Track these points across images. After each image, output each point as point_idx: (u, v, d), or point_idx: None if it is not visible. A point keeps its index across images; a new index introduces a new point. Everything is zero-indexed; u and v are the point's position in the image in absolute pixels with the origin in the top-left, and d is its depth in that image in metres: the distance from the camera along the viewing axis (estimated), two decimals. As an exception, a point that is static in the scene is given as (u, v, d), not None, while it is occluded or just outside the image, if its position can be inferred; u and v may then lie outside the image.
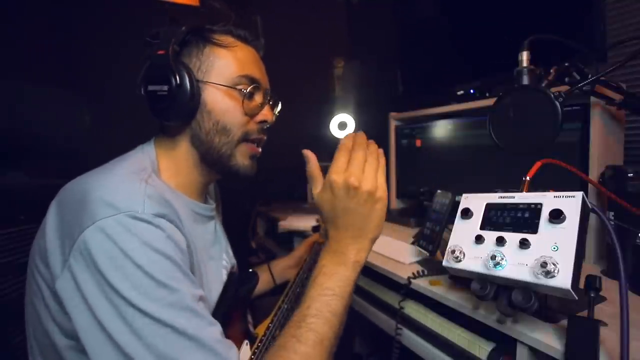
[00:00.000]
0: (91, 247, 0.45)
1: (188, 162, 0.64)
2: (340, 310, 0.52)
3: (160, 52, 0.58)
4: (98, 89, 1.26)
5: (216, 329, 0.49)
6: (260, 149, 0.70)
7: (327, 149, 2.07)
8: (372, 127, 1.74)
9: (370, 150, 0.59)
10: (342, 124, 1.79)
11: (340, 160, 0.58)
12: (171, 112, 0.59)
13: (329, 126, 1.79)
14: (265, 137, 0.70)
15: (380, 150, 0.60)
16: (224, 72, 0.62)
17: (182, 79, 0.58)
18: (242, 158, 0.66)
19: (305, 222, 1.36)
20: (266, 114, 0.68)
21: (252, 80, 0.64)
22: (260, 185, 1.90)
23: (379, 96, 1.73)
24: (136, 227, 0.47)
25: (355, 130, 1.76)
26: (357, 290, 1.04)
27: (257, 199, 1.92)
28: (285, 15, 2.04)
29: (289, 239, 1.46)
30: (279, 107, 0.75)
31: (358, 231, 0.56)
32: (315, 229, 1.13)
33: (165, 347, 0.43)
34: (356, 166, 0.56)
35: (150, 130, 0.67)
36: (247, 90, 0.63)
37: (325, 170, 0.61)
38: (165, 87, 0.57)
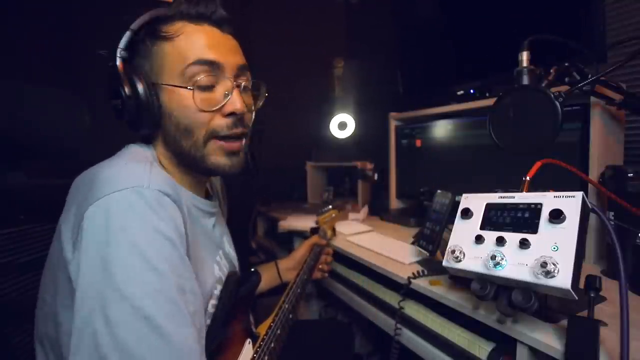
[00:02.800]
0: (93, 221, 0.44)
1: (171, 164, 0.62)
2: None
3: (110, 63, 0.55)
4: (98, 89, 1.26)
5: (192, 331, 0.46)
6: (240, 143, 0.62)
7: (327, 149, 2.08)
8: (372, 127, 1.75)
9: None
10: (342, 124, 1.79)
11: None
12: (137, 123, 0.56)
13: (329, 126, 1.79)
14: (242, 130, 0.61)
15: None
16: (174, 68, 0.56)
17: (133, 88, 0.54)
18: (216, 157, 0.60)
19: (305, 222, 1.36)
20: (234, 104, 0.58)
21: (205, 63, 0.56)
22: (260, 185, 1.90)
23: (379, 96, 1.73)
24: (140, 203, 0.45)
25: (355, 131, 1.77)
26: (357, 289, 1.05)
27: (257, 199, 1.92)
28: (284, 15, 2.05)
29: (289, 239, 1.46)
30: (263, 91, 0.66)
31: None
32: (314, 230, 1.13)
33: (135, 345, 0.41)
34: None
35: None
36: (198, 81, 0.56)
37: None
38: (120, 102, 0.54)
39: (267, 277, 1.00)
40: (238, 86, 0.60)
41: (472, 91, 1.23)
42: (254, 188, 1.87)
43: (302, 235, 1.37)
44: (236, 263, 0.78)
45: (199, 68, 0.56)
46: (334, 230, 1.19)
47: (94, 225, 0.44)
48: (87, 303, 0.42)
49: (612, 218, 0.72)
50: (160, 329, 0.42)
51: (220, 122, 0.59)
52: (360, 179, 1.69)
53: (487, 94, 1.19)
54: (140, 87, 0.54)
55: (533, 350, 0.56)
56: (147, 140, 0.62)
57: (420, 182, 1.35)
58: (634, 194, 0.68)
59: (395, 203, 1.54)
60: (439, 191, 0.91)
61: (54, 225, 0.52)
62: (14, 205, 0.74)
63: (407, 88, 1.50)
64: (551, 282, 0.44)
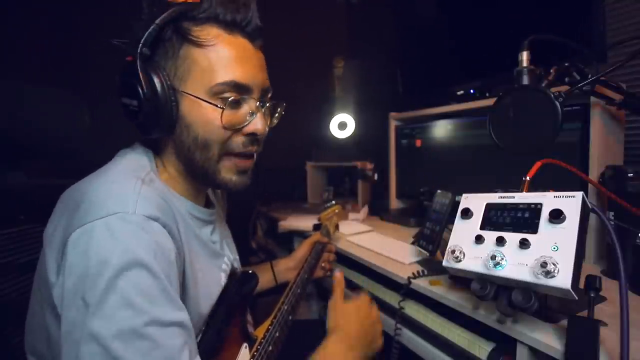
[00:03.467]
0: (75, 250, 0.43)
1: (178, 171, 0.60)
2: None
3: (129, 57, 0.50)
4: (98, 89, 1.26)
5: None
6: (251, 162, 0.62)
7: (327, 149, 2.07)
8: (372, 127, 1.75)
9: None
10: (342, 124, 1.79)
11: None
12: (145, 128, 0.53)
13: (329, 126, 1.79)
14: (256, 148, 0.61)
15: None
16: (202, 80, 0.53)
17: (153, 92, 0.50)
18: (227, 174, 0.59)
19: (305, 222, 1.36)
20: (256, 126, 0.57)
21: (238, 86, 0.54)
22: (260, 185, 1.91)
23: (379, 96, 1.73)
24: (122, 231, 0.43)
25: (355, 131, 1.77)
26: (357, 289, 1.05)
27: (257, 199, 1.92)
28: (285, 15, 2.05)
29: (289, 239, 1.46)
30: (280, 111, 0.66)
31: (361, 346, 0.72)
32: (317, 227, 1.12)
33: None
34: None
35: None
36: (229, 101, 0.54)
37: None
38: (135, 103, 0.50)
39: (262, 279, 0.99)
40: (262, 107, 0.59)
41: (472, 91, 1.23)
42: (254, 188, 1.87)
43: (303, 235, 1.37)
44: (237, 265, 0.78)
45: (228, 88, 0.54)
46: (337, 226, 1.18)
47: (76, 255, 0.43)
48: (68, 338, 0.42)
49: (612, 218, 0.72)
50: None
51: (237, 140, 0.58)
52: (360, 179, 1.69)
53: (487, 94, 1.19)
54: (160, 90, 0.51)
55: (533, 350, 0.56)
56: (153, 144, 0.59)
57: (420, 182, 1.35)
58: (634, 194, 0.68)
59: (395, 203, 1.54)
60: (439, 191, 0.91)
61: (54, 225, 0.52)
62: (14, 205, 0.74)
63: (407, 88, 1.50)
64: (551, 282, 0.44)
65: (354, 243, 1.12)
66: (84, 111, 0.84)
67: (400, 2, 1.57)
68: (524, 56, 0.62)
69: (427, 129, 1.34)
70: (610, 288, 0.59)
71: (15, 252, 0.70)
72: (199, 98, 0.53)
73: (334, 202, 1.20)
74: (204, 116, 0.54)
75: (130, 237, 0.44)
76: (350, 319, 0.74)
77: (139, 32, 0.50)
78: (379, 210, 1.54)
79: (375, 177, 1.61)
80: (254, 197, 1.90)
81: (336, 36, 2.20)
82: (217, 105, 0.54)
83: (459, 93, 1.26)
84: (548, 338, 0.53)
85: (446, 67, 1.32)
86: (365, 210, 1.54)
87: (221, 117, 0.54)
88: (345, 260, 1.09)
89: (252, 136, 0.59)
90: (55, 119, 0.81)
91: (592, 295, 0.47)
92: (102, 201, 0.45)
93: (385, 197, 1.57)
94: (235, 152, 0.58)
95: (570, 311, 0.55)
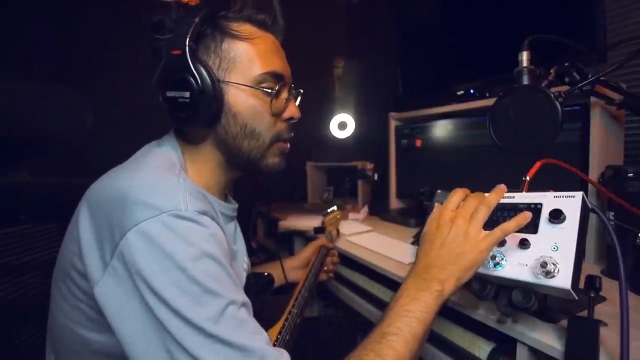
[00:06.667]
0: (135, 251, 0.43)
1: (212, 164, 0.61)
2: (420, 334, 0.48)
3: (176, 52, 0.52)
4: (101, 88, 1.26)
5: (261, 337, 0.46)
6: (289, 145, 0.65)
7: (327, 149, 2.06)
8: (372, 127, 1.74)
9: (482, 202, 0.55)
10: (342, 124, 1.79)
11: (453, 199, 0.58)
12: (194, 119, 0.54)
13: (329, 126, 1.79)
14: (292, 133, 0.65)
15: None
16: (246, 70, 0.57)
17: (204, 83, 0.52)
18: (272, 158, 0.62)
19: (305, 222, 1.36)
20: (293, 110, 0.63)
21: (276, 76, 0.59)
22: (260, 185, 1.90)
23: (379, 96, 1.73)
24: (180, 226, 0.44)
25: (355, 131, 1.77)
26: (357, 289, 1.05)
27: (257, 199, 1.92)
28: (285, 15, 2.04)
29: (289, 239, 1.46)
30: (300, 97, 0.70)
31: (448, 264, 0.53)
32: (318, 230, 1.12)
33: (214, 358, 0.42)
34: (466, 210, 0.55)
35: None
36: (275, 90, 0.58)
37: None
38: (187, 94, 0.52)
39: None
40: (293, 94, 0.64)
41: (472, 91, 1.23)
42: (254, 188, 1.87)
43: (303, 235, 1.37)
44: (249, 264, 0.77)
45: (271, 77, 0.58)
46: (338, 231, 1.19)
47: (138, 255, 0.43)
48: (153, 333, 0.42)
49: (612, 218, 0.72)
50: (232, 343, 0.42)
51: (282, 127, 0.62)
52: (360, 179, 1.69)
53: (487, 94, 1.19)
54: (209, 82, 0.53)
55: (533, 350, 0.56)
56: (189, 138, 0.60)
57: (420, 182, 1.35)
58: (634, 194, 0.68)
59: (395, 203, 1.54)
60: (439, 191, 0.91)
61: (54, 224, 0.52)
62: (14, 204, 0.74)
63: (407, 88, 1.50)
64: (551, 282, 0.45)
65: (353, 243, 1.12)
66: (88, 110, 0.84)
67: (401, 2, 1.57)
68: (524, 56, 0.62)
69: (427, 129, 1.34)
70: (610, 288, 0.59)
71: (15, 252, 0.71)
72: (248, 86, 0.57)
73: (335, 207, 1.21)
74: (252, 104, 0.57)
75: (189, 231, 0.45)
76: (430, 238, 0.56)
77: (181, 28, 0.52)
78: (379, 210, 1.54)
79: (375, 177, 1.61)
80: (254, 197, 1.90)
81: (336, 36, 2.20)
82: (269, 91, 0.58)
83: (459, 93, 1.26)
84: (548, 338, 0.53)
85: (446, 67, 1.32)
86: (365, 210, 1.54)
87: (270, 104, 0.58)
88: (345, 260, 1.09)
89: (291, 121, 0.63)
90: (58, 117, 0.81)
91: (592, 295, 0.47)
92: (151, 199, 0.45)
93: (385, 197, 1.57)
94: (284, 139, 0.62)
95: (570, 311, 0.55)
